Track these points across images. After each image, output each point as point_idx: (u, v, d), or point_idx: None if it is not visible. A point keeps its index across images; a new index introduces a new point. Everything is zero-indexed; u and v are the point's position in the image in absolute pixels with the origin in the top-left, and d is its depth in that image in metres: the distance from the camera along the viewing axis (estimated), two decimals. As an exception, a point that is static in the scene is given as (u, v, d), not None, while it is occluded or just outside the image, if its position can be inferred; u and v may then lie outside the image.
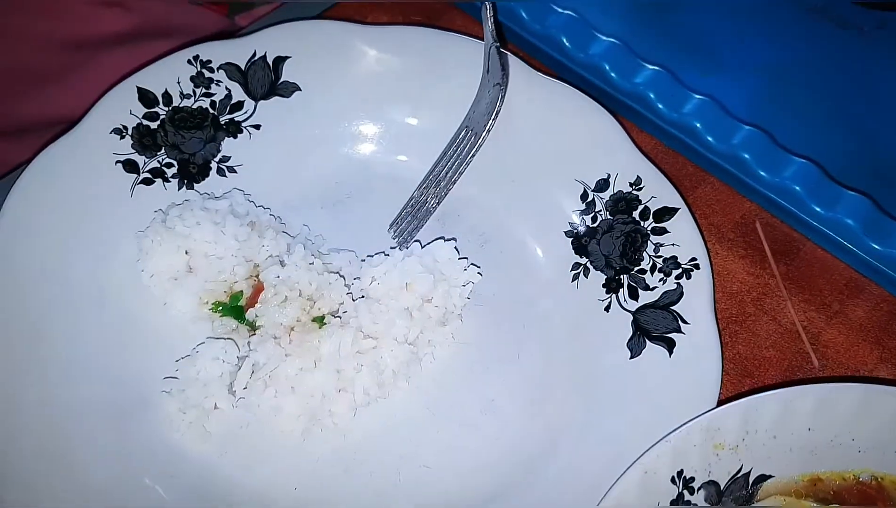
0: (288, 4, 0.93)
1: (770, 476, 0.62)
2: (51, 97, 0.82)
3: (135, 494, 0.65)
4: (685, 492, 0.59)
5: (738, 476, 0.61)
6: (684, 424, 0.60)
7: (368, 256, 0.76)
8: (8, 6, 0.82)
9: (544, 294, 0.78)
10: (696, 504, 0.59)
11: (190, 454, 0.68)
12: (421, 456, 0.70)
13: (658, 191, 0.77)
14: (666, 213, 0.76)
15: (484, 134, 0.77)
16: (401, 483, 0.68)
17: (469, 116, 0.80)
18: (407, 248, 0.76)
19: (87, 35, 0.85)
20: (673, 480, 0.59)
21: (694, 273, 0.73)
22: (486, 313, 0.77)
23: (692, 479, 0.59)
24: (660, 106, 0.83)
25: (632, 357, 0.71)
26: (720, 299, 0.82)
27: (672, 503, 0.59)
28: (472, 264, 0.76)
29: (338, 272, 0.74)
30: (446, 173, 0.78)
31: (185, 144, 0.78)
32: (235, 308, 0.72)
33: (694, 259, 0.73)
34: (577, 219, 0.79)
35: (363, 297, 0.72)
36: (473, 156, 0.77)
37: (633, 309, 0.73)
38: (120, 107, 0.77)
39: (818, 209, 0.79)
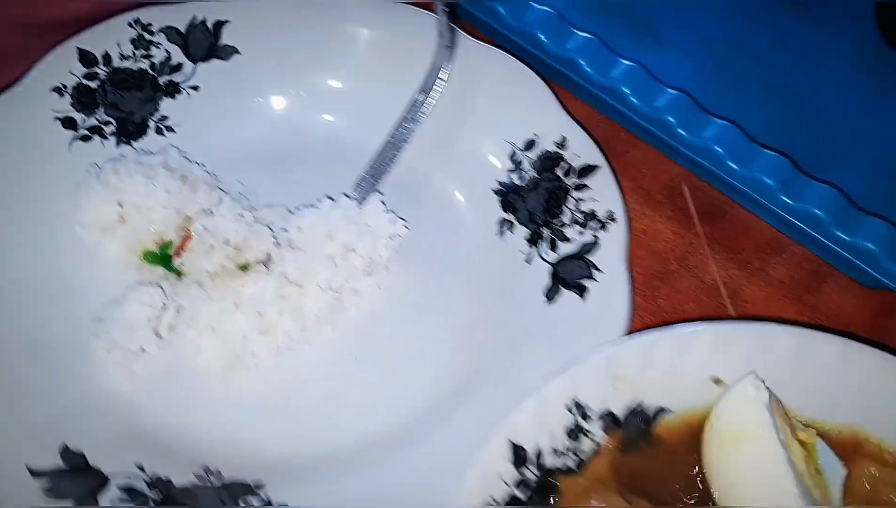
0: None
1: (669, 411, 0.64)
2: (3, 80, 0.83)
3: (65, 434, 0.67)
4: (581, 420, 0.61)
5: (637, 409, 0.63)
6: (585, 356, 0.62)
7: (296, 208, 0.78)
8: None
9: (471, 248, 0.80)
10: (591, 432, 0.62)
11: (117, 394, 0.70)
12: (342, 399, 0.72)
13: (581, 150, 0.79)
14: (588, 170, 0.78)
15: (431, 94, 0.80)
16: (321, 424, 0.71)
17: (424, 80, 0.82)
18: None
19: (45, 17, 0.87)
20: (569, 409, 0.61)
21: (610, 225, 0.75)
22: (413, 266, 0.79)
23: (588, 408, 0.62)
24: (589, 71, 0.86)
25: (548, 303, 0.74)
26: (643, 256, 0.85)
27: (568, 431, 0.61)
28: (399, 217, 0.78)
29: (268, 226, 0.76)
30: (401, 134, 0.81)
31: (123, 104, 0.81)
32: (164, 257, 0.74)
33: (611, 213, 0.76)
34: (505, 177, 0.82)
35: (289, 246, 0.74)
36: (423, 115, 0.81)
37: (553, 260, 0.76)
38: (60, 67, 0.79)
39: (736, 168, 0.81)
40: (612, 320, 0.70)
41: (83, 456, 0.64)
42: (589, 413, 0.62)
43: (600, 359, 0.62)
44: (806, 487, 0.59)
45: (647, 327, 0.79)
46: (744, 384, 0.63)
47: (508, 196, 0.81)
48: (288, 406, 0.71)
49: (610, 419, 0.63)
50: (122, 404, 0.70)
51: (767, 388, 0.62)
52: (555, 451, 0.61)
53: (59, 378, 0.69)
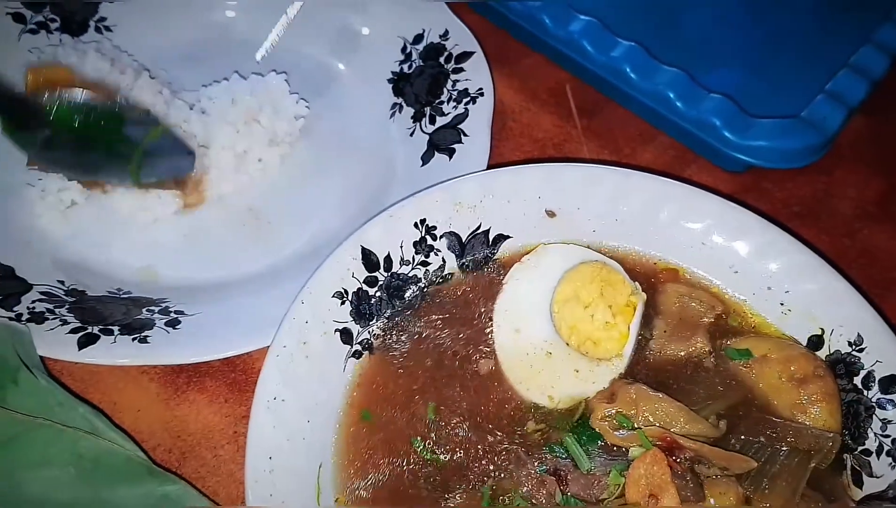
0: None
1: (509, 237, 0.75)
2: None
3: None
4: (427, 236, 0.72)
5: (478, 231, 0.74)
6: (430, 186, 0.73)
7: (208, 84, 0.90)
8: None
9: (366, 128, 0.92)
10: (438, 248, 0.73)
11: (50, 235, 0.82)
12: (240, 242, 0.84)
13: (461, 40, 0.91)
14: (465, 56, 0.90)
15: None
16: (217, 263, 0.81)
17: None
18: None
19: None
20: (416, 225, 0.72)
21: (479, 99, 0.87)
22: (315, 144, 0.91)
23: (434, 227, 0.73)
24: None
25: (423, 166, 0.85)
26: (525, 143, 0.96)
27: (415, 243, 0.72)
28: (301, 98, 0.90)
29: (181, 99, 0.88)
30: None
31: (67, 3, 0.93)
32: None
33: (480, 89, 0.87)
34: (397, 67, 0.94)
35: (202, 113, 0.86)
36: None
37: (430, 131, 0.88)
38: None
39: (597, 56, 0.92)
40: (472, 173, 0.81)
41: (12, 268, 0.75)
42: (435, 232, 0.73)
43: (444, 187, 0.74)
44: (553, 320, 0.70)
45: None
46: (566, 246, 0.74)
47: (399, 83, 0.93)
48: (190, 248, 0.83)
49: (454, 239, 0.74)
50: (51, 241, 0.81)
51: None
52: (403, 260, 0.72)
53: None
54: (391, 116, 0.91)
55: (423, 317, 0.71)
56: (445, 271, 0.74)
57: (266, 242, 0.84)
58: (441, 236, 0.73)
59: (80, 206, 0.83)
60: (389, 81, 0.93)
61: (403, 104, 0.91)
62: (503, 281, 0.73)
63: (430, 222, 0.73)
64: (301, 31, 0.95)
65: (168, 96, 0.87)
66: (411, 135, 0.89)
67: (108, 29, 0.95)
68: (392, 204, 0.72)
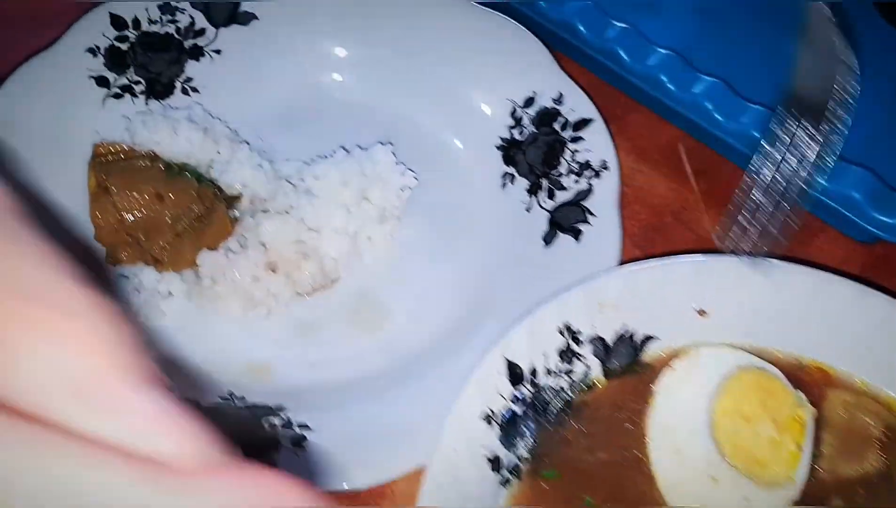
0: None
1: (656, 338, 0.69)
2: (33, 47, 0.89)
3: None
4: (571, 343, 0.66)
5: (625, 335, 0.68)
6: (574, 284, 0.67)
7: (311, 159, 0.84)
8: None
9: (476, 200, 0.86)
10: (582, 355, 0.67)
11: (150, 331, 0.76)
12: (356, 336, 0.78)
13: (577, 105, 0.85)
14: (583, 123, 0.84)
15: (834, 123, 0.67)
16: (336, 359, 0.76)
17: (795, 96, 0.69)
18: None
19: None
20: (560, 331, 0.66)
21: (603, 173, 0.80)
22: (423, 217, 0.85)
23: (578, 332, 0.67)
24: (586, 33, 0.91)
25: (546, 247, 0.79)
26: (641, 210, 0.90)
27: (560, 352, 0.66)
28: (409, 169, 0.84)
29: (286, 178, 0.82)
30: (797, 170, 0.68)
31: (152, 64, 0.87)
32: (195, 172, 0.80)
33: (604, 162, 0.81)
34: (506, 133, 0.87)
35: (307, 193, 0.80)
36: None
37: (550, 208, 0.81)
38: (94, 29, 0.86)
39: (723, 121, 0.86)
40: (604, 257, 0.75)
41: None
42: (580, 337, 0.67)
43: (587, 286, 0.68)
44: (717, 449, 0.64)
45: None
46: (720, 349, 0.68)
47: (510, 151, 0.86)
48: (305, 342, 0.77)
49: (600, 344, 0.68)
50: (151, 338, 0.75)
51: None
52: (548, 371, 0.66)
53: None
54: (503, 186, 0.85)
55: (571, 434, 0.65)
56: (590, 379, 0.68)
57: (382, 332, 0.78)
58: (586, 342, 0.67)
59: (177, 297, 0.77)
60: (499, 148, 0.87)
61: (516, 174, 0.85)
62: (654, 389, 0.67)
63: (574, 327, 0.67)
64: (404, 93, 0.89)
65: (269, 172, 0.81)
66: (528, 210, 0.82)
67: (195, 90, 0.89)
68: (536, 308, 0.66)
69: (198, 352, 0.75)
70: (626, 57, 0.90)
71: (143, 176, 0.75)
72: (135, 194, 0.74)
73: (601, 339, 0.68)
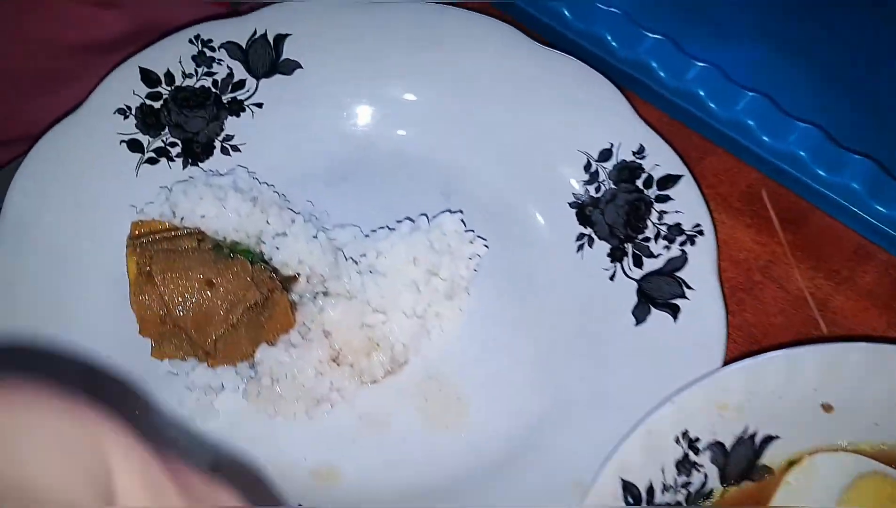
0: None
1: (777, 438, 0.62)
2: (49, 105, 0.81)
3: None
4: (690, 452, 0.59)
5: (744, 437, 0.61)
6: (686, 386, 0.60)
7: (372, 230, 0.76)
8: (5, 5, 0.82)
9: (549, 265, 0.78)
10: (701, 465, 0.59)
11: (199, 430, 0.68)
12: (429, 429, 0.70)
13: (661, 159, 0.76)
14: (669, 180, 0.75)
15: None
16: (409, 456, 0.69)
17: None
18: None
19: (85, 40, 0.84)
20: (677, 440, 0.59)
21: (698, 239, 0.72)
22: (492, 284, 0.77)
23: (697, 440, 0.59)
24: (662, 75, 0.83)
25: (637, 324, 0.71)
26: (726, 267, 0.82)
27: (677, 464, 0.58)
28: (478, 236, 0.76)
29: (342, 250, 0.74)
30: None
31: (188, 123, 0.79)
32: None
33: (698, 225, 0.73)
34: (580, 189, 0.79)
35: (370, 272, 0.72)
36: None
37: (638, 277, 0.73)
38: (123, 88, 0.77)
39: (823, 173, 0.78)
40: (708, 341, 0.67)
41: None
42: (698, 445, 0.59)
43: (705, 387, 0.60)
44: None
45: (736, 343, 0.76)
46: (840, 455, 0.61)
47: (585, 209, 0.78)
48: (375, 439, 0.69)
49: (719, 450, 0.60)
50: (206, 441, 0.68)
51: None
52: (665, 487, 0.58)
53: (140, 414, 0.68)
54: (578, 250, 0.77)
55: (690, 557, 0.58)
56: (707, 489, 0.60)
57: (457, 423, 0.70)
58: (704, 449, 0.59)
59: (231, 393, 0.69)
60: (572, 205, 0.78)
61: (594, 236, 0.77)
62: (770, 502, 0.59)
63: (692, 434, 0.59)
64: (466, 145, 0.81)
65: (326, 245, 0.73)
66: (612, 278, 0.74)
67: (236, 149, 0.81)
68: (649, 416, 0.58)
69: (257, 456, 0.67)
70: (709, 101, 0.82)
71: (190, 260, 0.67)
72: (182, 281, 0.66)
73: (720, 444, 0.60)
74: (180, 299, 0.66)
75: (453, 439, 0.69)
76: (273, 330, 0.67)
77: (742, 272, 0.82)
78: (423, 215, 0.76)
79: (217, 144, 0.80)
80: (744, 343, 0.77)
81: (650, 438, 0.58)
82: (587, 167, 0.79)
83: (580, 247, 0.77)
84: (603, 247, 0.76)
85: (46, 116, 0.87)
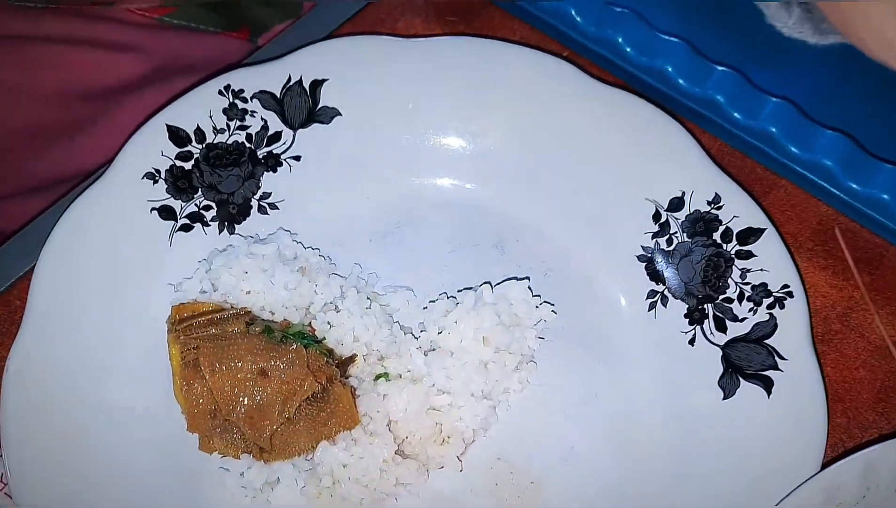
0: (307, 17, 0.85)
1: (893, 532, 0.57)
2: (72, 152, 0.75)
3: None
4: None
5: (861, 536, 0.56)
6: (800, 485, 0.54)
7: (431, 301, 0.70)
8: (12, 60, 0.75)
9: (618, 327, 0.72)
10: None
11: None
12: (501, 514, 0.65)
13: (740, 209, 0.70)
14: (751, 234, 0.70)
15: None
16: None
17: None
18: None
19: (103, 84, 0.78)
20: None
21: (787, 302, 0.67)
22: (557, 350, 0.71)
23: (814, 547, 0.54)
24: (733, 112, 0.77)
25: (725, 398, 0.66)
26: (803, 317, 0.76)
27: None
28: (545, 301, 0.70)
29: (398, 322, 0.68)
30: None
31: (222, 184, 0.72)
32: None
33: (786, 286, 0.67)
34: (649, 242, 0.73)
35: (433, 349, 0.66)
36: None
37: (722, 343, 0.68)
38: (150, 148, 0.71)
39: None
40: (807, 419, 0.62)
41: None
42: (812, 553, 0.55)
43: (818, 486, 0.55)
44: None
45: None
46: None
47: (655, 264, 0.73)
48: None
49: (833, 553, 0.55)
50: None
51: None
52: None
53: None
54: (650, 310, 0.71)
55: None
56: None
57: (536, 509, 0.65)
58: (820, 555, 0.55)
59: (289, 487, 0.63)
60: (641, 259, 0.72)
61: (669, 295, 0.71)
62: None
63: (807, 540, 0.54)
64: (524, 196, 0.75)
65: (381, 316, 0.67)
66: (691, 343, 0.69)
67: (273, 207, 0.75)
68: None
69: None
70: (784, 140, 0.76)
71: (240, 347, 0.61)
72: (233, 372, 0.60)
73: (836, 547, 0.55)
74: (232, 394, 0.60)
75: (530, 530, 0.64)
76: (336, 428, 0.61)
77: (820, 322, 0.76)
78: (486, 282, 0.70)
79: (254, 203, 0.74)
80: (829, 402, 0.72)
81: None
82: (656, 217, 0.73)
83: (652, 306, 0.72)
84: (679, 307, 0.71)
85: (63, 165, 0.81)
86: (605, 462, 0.66)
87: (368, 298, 0.69)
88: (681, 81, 0.78)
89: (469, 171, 0.77)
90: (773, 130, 0.76)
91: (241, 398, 0.60)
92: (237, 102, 0.73)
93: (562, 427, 0.68)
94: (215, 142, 0.72)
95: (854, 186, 0.74)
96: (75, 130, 0.80)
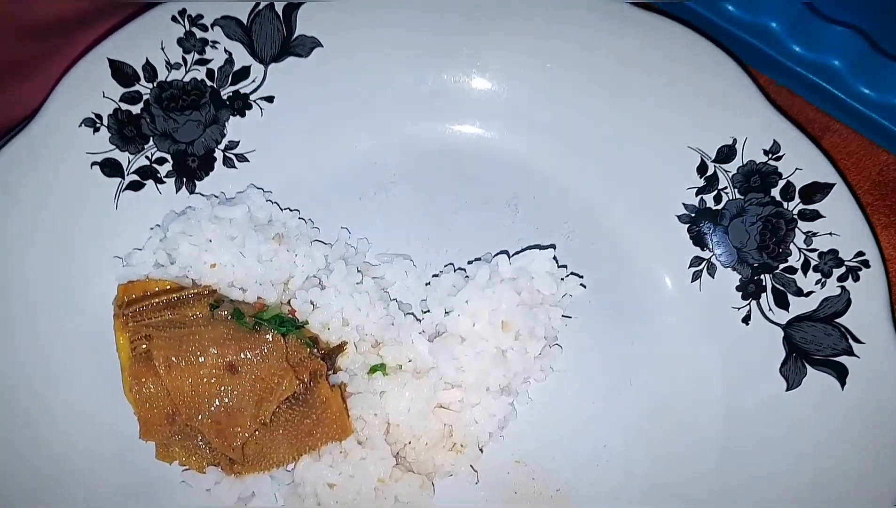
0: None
1: None
2: (23, 91, 0.61)
3: None
4: None
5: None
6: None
7: (435, 275, 0.58)
8: None
9: (656, 301, 0.61)
10: None
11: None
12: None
13: (804, 161, 0.59)
14: (817, 190, 0.58)
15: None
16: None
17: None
18: None
19: (51, 19, 0.64)
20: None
21: (862, 273, 0.56)
22: (585, 329, 0.60)
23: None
24: (791, 43, 0.64)
25: (788, 389, 0.55)
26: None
27: None
28: (571, 272, 0.59)
29: (396, 300, 0.56)
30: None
31: (179, 131, 0.60)
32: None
33: (861, 254, 0.56)
34: (693, 199, 0.61)
35: (439, 334, 0.54)
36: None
37: (784, 322, 0.57)
38: (89, 89, 0.57)
39: None
40: (889, 419, 0.51)
41: None
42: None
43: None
44: None
45: None
46: None
47: (701, 225, 0.61)
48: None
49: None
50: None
51: None
52: None
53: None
54: (694, 280, 0.60)
55: None
56: None
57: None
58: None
59: (260, 498, 0.52)
60: (683, 219, 0.61)
61: (716, 263, 0.60)
62: None
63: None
64: (543, 139, 0.63)
65: (376, 294, 0.56)
66: (745, 321, 0.58)
67: (242, 159, 0.62)
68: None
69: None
70: (851, 77, 0.64)
71: (203, 336, 0.50)
72: (194, 367, 0.49)
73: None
74: (194, 395, 0.49)
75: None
76: (323, 438, 0.50)
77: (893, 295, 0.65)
78: (501, 252, 0.58)
79: (218, 154, 0.61)
80: None
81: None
82: (702, 170, 0.61)
83: (696, 275, 0.61)
84: (730, 277, 0.60)
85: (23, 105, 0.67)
86: (643, 464, 0.56)
87: (359, 270, 0.57)
88: (732, 9, 0.65)
89: (478, 114, 0.64)
90: (837, 62, 0.64)
91: (206, 400, 0.49)
92: (195, 30, 0.60)
93: (591, 422, 0.58)
94: (169, 80, 0.59)
95: None
96: (32, 67, 0.66)
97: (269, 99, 0.62)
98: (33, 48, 0.64)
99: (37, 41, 0.64)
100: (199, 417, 0.49)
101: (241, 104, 0.61)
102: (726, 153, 0.61)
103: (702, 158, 0.61)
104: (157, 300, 0.52)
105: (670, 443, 0.57)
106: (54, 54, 0.64)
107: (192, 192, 0.60)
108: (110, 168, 0.58)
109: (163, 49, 0.59)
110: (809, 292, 0.57)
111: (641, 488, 0.56)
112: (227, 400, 0.49)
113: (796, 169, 0.59)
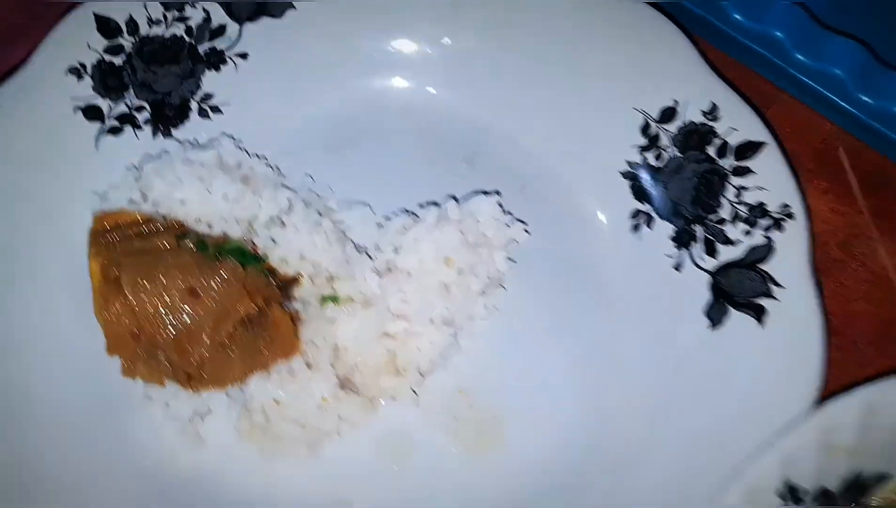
0: None
1: (889, 476, 0.51)
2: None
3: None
4: (793, 506, 0.48)
5: (855, 480, 0.50)
6: (792, 425, 0.48)
7: (385, 217, 0.63)
8: None
9: (598, 249, 0.65)
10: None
11: (183, 461, 0.57)
12: (459, 454, 0.59)
13: (738, 121, 0.63)
14: (749, 149, 0.62)
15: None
16: (434, 487, 0.58)
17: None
18: None
19: None
20: (781, 495, 0.48)
21: (786, 224, 0.60)
22: (530, 274, 0.65)
23: (804, 491, 0.48)
24: (735, 13, 0.68)
25: (713, 327, 0.59)
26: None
27: (781, 514, 0.48)
28: (517, 219, 0.63)
29: (352, 240, 0.61)
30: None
31: (157, 82, 0.64)
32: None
33: (786, 206, 0.60)
34: (636, 156, 0.66)
35: (389, 270, 0.59)
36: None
37: (712, 269, 0.61)
38: (75, 40, 0.62)
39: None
40: (802, 352, 0.55)
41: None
42: (802, 496, 0.49)
43: (812, 428, 0.49)
44: None
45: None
46: None
47: (641, 181, 0.65)
48: (394, 468, 0.58)
49: (824, 499, 0.49)
50: (194, 478, 0.56)
51: None
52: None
53: (113, 449, 0.56)
54: (634, 230, 0.64)
55: None
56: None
57: (495, 449, 0.59)
58: (809, 501, 0.49)
59: (215, 416, 0.57)
60: (626, 175, 0.65)
61: (654, 215, 0.64)
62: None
63: (796, 483, 0.48)
64: (494, 101, 0.67)
65: (333, 234, 0.60)
66: (677, 268, 0.62)
67: (216, 111, 0.67)
68: (747, 465, 0.47)
69: (251, 496, 0.56)
70: (793, 48, 0.68)
71: (168, 263, 0.54)
72: (159, 290, 0.54)
73: (826, 493, 0.49)
74: (157, 314, 0.54)
75: (488, 468, 0.58)
76: (273, 357, 0.55)
77: (820, 249, 0.69)
78: (451, 197, 0.63)
79: (193, 105, 0.66)
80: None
81: (752, 493, 0.47)
82: (645, 130, 0.65)
83: (636, 227, 0.65)
84: (665, 228, 0.64)
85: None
86: (578, 396, 0.60)
87: (320, 213, 0.62)
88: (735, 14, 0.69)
89: (440, 75, 0.69)
90: (780, 34, 0.68)
91: (168, 320, 0.54)
92: (175, -11, 0.64)
93: (531, 359, 0.62)
94: (150, 35, 0.64)
95: (866, 98, 0.66)
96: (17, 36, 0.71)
97: (244, 56, 0.67)
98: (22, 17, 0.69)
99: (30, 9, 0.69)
100: (161, 335, 0.54)
101: (216, 59, 0.66)
102: (668, 114, 0.65)
103: (645, 119, 0.66)
104: (129, 231, 0.57)
105: (605, 377, 0.60)
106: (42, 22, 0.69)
107: (167, 137, 0.65)
108: (92, 113, 0.63)
109: (145, 6, 0.64)
110: (737, 241, 0.61)
111: (575, 418, 0.59)
112: (187, 320, 0.54)
113: (731, 129, 0.63)
